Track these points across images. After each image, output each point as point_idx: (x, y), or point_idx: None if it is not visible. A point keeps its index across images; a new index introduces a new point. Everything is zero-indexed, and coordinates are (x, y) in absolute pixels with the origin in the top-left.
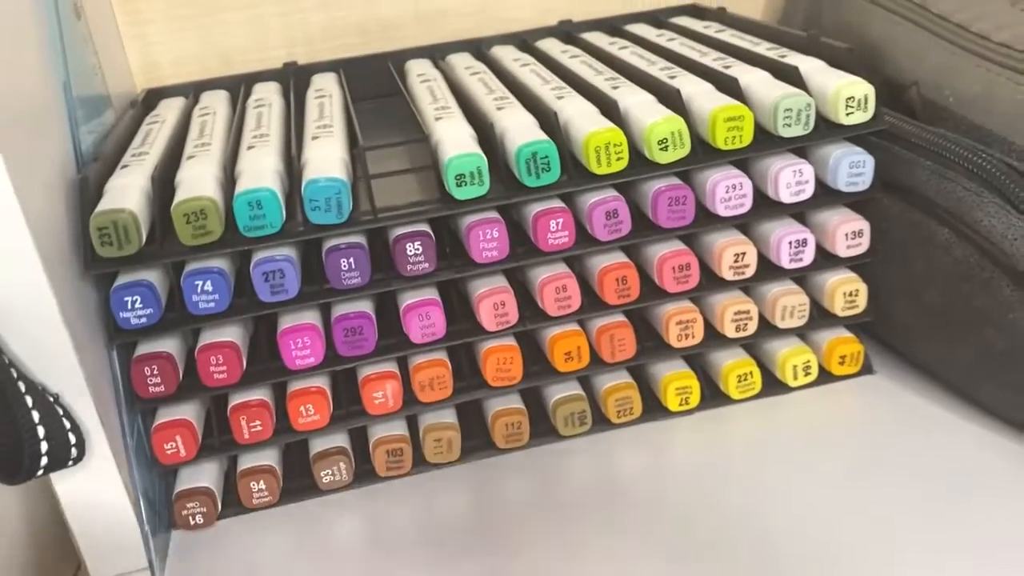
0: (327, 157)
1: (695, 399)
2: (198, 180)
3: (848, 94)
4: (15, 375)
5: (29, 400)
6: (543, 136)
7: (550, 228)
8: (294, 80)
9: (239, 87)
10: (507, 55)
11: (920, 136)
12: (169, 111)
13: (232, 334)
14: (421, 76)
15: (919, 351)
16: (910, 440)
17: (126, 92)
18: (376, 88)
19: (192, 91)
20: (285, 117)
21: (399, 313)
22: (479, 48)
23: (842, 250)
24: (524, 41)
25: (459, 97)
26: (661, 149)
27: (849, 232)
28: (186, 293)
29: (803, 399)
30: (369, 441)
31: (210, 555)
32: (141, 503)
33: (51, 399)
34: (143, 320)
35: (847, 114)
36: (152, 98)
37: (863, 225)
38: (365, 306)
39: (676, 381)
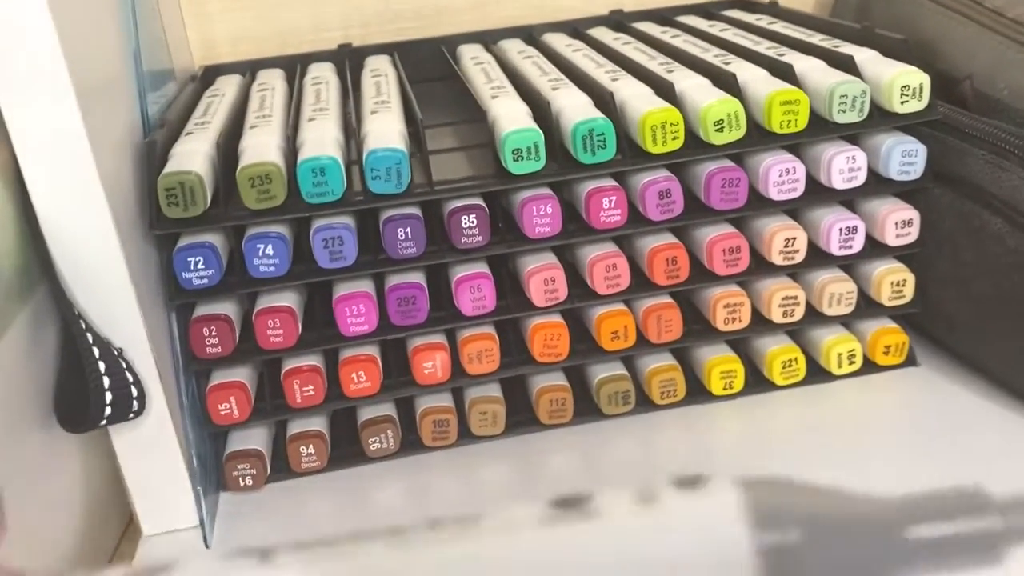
0: (387, 129)
1: (739, 384)
2: (262, 147)
3: (903, 82)
4: (84, 326)
5: (96, 351)
6: (599, 114)
7: (603, 206)
8: (349, 61)
9: (295, 66)
10: (559, 41)
11: (974, 127)
12: (228, 86)
13: (289, 299)
14: (474, 59)
15: (965, 343)
16: (953, 432)
17: (185, 67)
18: (428, 71)
19: (248, 69)
20: (343, 93)
21: (451, 287)
22: (530, 34)
23: (891, 239)
24: (575, 29)
25: (513, 79)
26: (717, 130)
27: (899, 221)
28: (247, 256)
29: (846, 388)
30: (416, 412)
31: (258, 517)
32: (194, 462)
33: (115, 352)
34: (205, 281)
35: (902, 102)
36: (209, 75)
37: (913, 215)
38: (418, 277)
39: (721, 365)
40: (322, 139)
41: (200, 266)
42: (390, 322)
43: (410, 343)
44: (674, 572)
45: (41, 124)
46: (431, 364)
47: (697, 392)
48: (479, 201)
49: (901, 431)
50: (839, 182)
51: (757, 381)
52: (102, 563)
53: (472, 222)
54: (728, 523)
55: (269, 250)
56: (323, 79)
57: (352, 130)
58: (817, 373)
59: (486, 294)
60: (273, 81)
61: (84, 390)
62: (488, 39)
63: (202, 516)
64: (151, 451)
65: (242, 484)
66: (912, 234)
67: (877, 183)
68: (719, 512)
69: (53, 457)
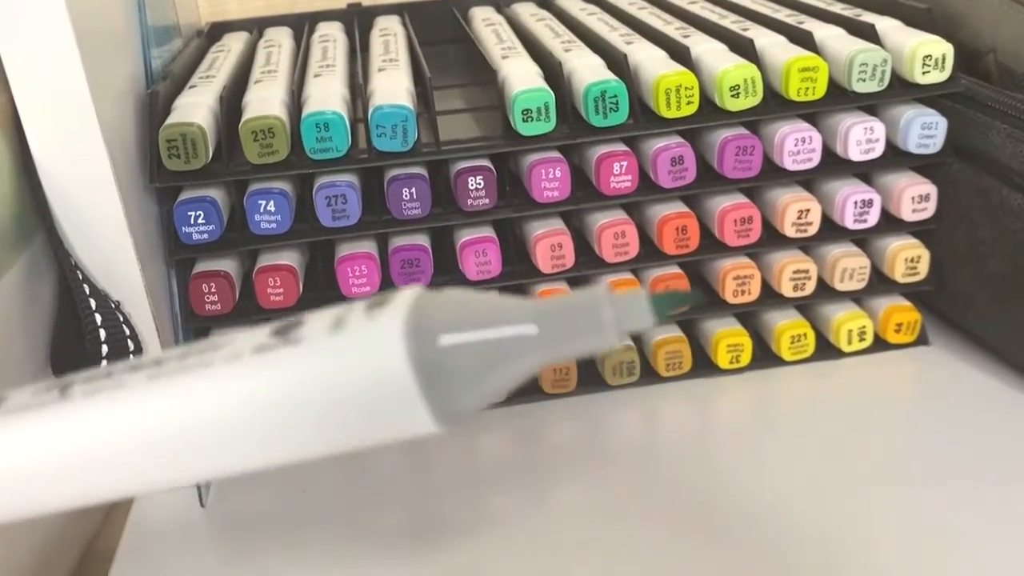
0: (394, 87)
1: (746, 358)
2: (266, 101)
3: (926, 52)
4: (81, 277)
5: (92, 303)
6: (612, 76)
7: (613, 171)
8: (358, 21)
9: (303, 25)
10: (573, 5)
11: (997, 100)
12: (234, 42)
13: (290, 258)
14: (486, 20)
15: (979, 322)
16: (964, 414)
17: (192, 23)
18: (438, 33)
19: (256, 26)
20: (350, 51)
21: (455, 251)
22: None
23: (907, 214)
24: None
25: (525, 40)
26: (733, 96)
27: (916, 196)
28: (249, 212)
29: (855, 365)
30: None
31: (255, 482)
32: None
33: (113, 305)
34: (205, 236)
35: (923, 72)
36: (216, 31)
37: (930, 189)
38: (423, 239)
39: (728, 338)
40: (327, 95)
41: (200, 220)
42: (393, 284)
43: None
44: (338, 398)
45: (41, 70)
46: None
47: (703, 365)
48: (487, 163)
49: (910, 411)
50: (856, 153)
51: (764, 356)
52: (97, 512)
53: (479, 184)
54: (390, 340)
55: (271, 206)
56: (331, 37)
57: (359, 88)
58: (826, 349)
59: (491, 259)
60: (280, 38)
61: (80, 341)
62: (501, 2)
63: None
64: None
65: None
66: (928, 209)
67: (895, 156)
68: (383, 331)
69: None
